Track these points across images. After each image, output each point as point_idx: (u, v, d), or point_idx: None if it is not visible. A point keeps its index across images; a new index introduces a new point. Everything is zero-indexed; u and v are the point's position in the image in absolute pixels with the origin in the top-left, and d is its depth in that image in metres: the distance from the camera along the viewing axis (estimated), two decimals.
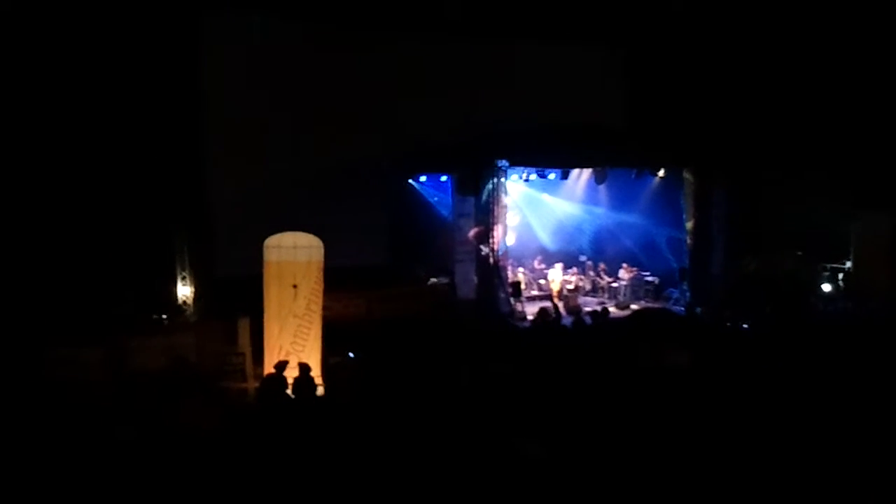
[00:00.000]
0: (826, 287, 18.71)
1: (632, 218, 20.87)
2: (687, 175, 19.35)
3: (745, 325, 14.03)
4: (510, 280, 18.08)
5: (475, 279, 17.94)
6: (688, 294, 19.00)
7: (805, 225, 19.09)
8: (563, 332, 12.43)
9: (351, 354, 12.58)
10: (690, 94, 20.96)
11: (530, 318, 15.89)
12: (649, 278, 20.02)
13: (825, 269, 19.01)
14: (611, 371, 9.48)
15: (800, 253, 19.44)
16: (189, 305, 16.51)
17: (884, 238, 18.24)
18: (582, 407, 8.39)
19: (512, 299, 17.61)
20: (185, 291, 16.65)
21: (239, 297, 13.71)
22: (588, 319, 13.29)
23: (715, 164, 19.33)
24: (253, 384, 11.87)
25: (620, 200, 20.91)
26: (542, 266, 20.37)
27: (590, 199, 21.22)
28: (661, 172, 19.68)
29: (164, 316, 15.37)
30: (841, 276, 18.86)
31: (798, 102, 19.87)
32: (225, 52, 18.15)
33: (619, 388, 8.89)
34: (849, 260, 18.84)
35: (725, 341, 11.80)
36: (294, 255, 12.51)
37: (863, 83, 19.47)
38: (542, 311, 12.90)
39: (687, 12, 20.75)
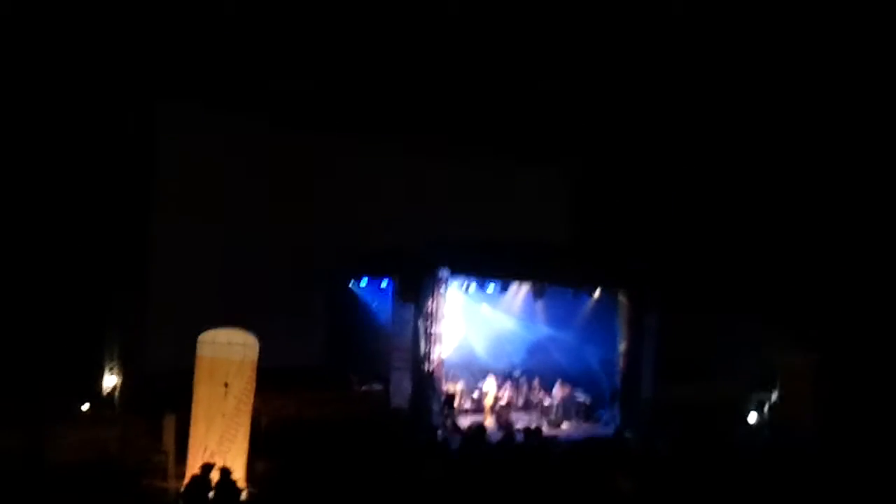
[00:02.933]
0: (752, 417, 19.05)
1: (567, 336, 21.12)
2: (621, 298, 19.84)
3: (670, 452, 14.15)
4: (445, 392, 18.04)
5: (410, 388, 17.82)
6: (618, 417, 19.16)
7: (735, 355, 19.55)
8: (494, 449, 12.40)
9: None
10: (631, 219, 21.64)
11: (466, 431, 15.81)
12: (581, 398, 20.14)
13: (752, 400, 19.38)
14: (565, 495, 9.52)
15: (728, 382, 19.83)
16: (115, 397, 16.03)
17: (808, 374, 18.78)
18: None
19: (446, 411, 17.55)
20: (111, 382, 16.18)
21: (167, 392, 13.38)
22: (520, 437, 13.29)
23: (649, 290, 19.85)
24: (174, 484, 11.52)
25: (557, 317, 21.20)
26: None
27: (527, 314, 21.45)
28: (597, 293, 20.15)
29: (88, 407, 14.85)
30: (767, 406, 19.22)
31: (734, 237, 20.65)
32: (173, 147, 18.11)
33: None
34: (775, 391, 19.26)
35: (659, 468, 11.90)
36: (228, 353, 12.31)
37: (797, 222, 20.38)
38: (478, 427, 12.91)
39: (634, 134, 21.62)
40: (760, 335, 19.60)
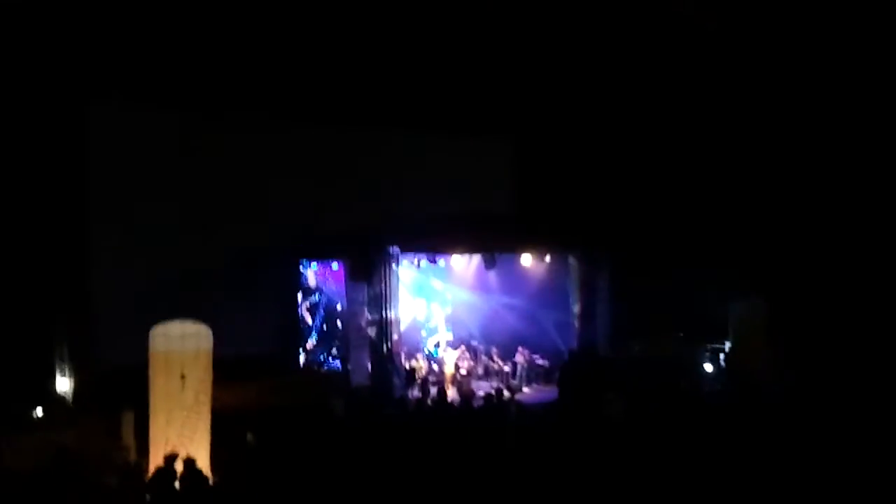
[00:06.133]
0: (708, 367, 19.39)
1: (521, 302, 21.27)
2: (572, 260, 20.03)
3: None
4: (406, 367, 18.10)
5: (369, 366, 17.80)
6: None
7: (686, 308, 19.86)
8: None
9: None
10: (575, 183, 21.77)
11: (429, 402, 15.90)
12: (540, 361, 20.33)
13: (706, 350, 19.72)
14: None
15: (682, 335, 20.15)
16: (68, 399, 15.71)
17: (760, 321, 19.13)
18: None
19: (407, 385, 17.64)
20: (64, 384, 15.85)
21: (122, 389, 13.13)
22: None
23: (598, 250, 20.06)
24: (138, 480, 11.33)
25: (510, 285, 21.33)
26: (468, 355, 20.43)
27: (480, 284, 21.55)
28: (548, 258, 20.32)
29: (42, 411, 14.53)
30: (721, 356, 19.57)
31: (679, 191, 20.89)
32: (110, 139, 17.80)
33: None
34: (728, 341, 19.61)
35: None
36: (182, 344, 12.05)
37: (744, 170, 20.68)
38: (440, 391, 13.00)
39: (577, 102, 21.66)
40: (711, 287, 19.92)
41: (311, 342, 19.70)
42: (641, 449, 10.24)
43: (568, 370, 17.92)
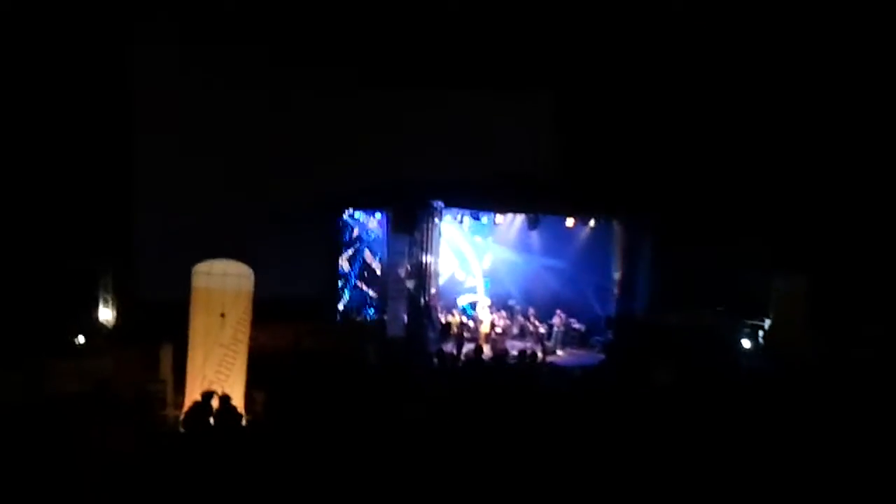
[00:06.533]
0: (746, 343, 19.17)
1: (562, 264, 21.17)
2: (616, 226, 19.83)
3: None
4: (441, 321, 18.17)
5: (405, 318, 17.90)
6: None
7: (727, 282, 19.59)
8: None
9: None
10: (625, 148, 21.44)
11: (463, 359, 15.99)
12: (576, 325, 20.27)
13: (745, 326, 19.48)
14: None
15: (721, 308, 19.92)
16: (110, 329, 16.04)
17: (800, 297, 18.83)
18: None
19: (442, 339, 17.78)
20: (107, 315, 16.17)
21: (163, 323, 13.36)
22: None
23: (643, 217, 19.83)
24: (173, 412, 11.58)
25: (552, 247, 21.23)
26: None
27: (522, 243, 21.47)
28: (592, 222, 20.15)
29: (83, 339, 14.86)
30: (760, 332, 19.33)
31: (727, 163, 20.52)
32: (159, 76, 17.84)
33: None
34: (768, 317, 19.35)
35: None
36: (224, 283, 12.20)
37: (786, 147, 20.24)
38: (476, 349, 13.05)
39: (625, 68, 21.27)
40: (753, 260, 19.64)
41: (348, 291, 19.80)
42: (681, 416, 10.19)
43: (619, 335, 17.88)
